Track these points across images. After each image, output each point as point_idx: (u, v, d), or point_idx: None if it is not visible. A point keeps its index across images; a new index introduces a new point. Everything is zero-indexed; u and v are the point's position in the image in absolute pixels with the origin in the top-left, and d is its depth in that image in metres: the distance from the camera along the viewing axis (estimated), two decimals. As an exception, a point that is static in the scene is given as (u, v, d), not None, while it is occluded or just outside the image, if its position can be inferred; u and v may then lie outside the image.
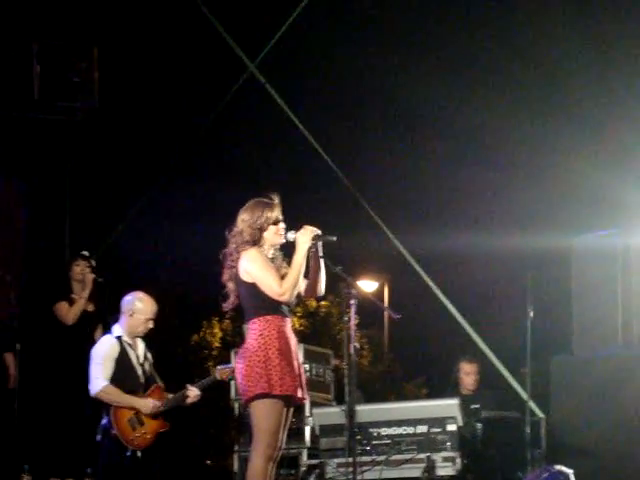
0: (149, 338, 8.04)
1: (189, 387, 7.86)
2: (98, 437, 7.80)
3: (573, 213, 10.20)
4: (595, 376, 8.35)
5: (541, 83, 11.22)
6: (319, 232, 6.49)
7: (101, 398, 7.72)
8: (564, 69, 10.87)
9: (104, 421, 7.76)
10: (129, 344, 7.87)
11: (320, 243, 6.51)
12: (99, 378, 7.72)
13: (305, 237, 6.46)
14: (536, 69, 11.15)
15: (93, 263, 9.18)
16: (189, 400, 7.85)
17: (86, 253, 9.22)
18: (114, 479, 7.75)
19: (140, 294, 7.92)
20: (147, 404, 7.74)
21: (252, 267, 6.44)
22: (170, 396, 7.89)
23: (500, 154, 11.64)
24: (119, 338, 7.84)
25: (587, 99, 10.70)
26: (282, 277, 6.47)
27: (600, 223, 9.19)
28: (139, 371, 7.88)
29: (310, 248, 6.50)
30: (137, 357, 7.89)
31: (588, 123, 10.68)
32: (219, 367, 7.96)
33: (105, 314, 8.94)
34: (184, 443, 12.40)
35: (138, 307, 7.85)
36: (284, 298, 6.45)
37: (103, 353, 7.79)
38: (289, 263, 6.52)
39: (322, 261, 6.53)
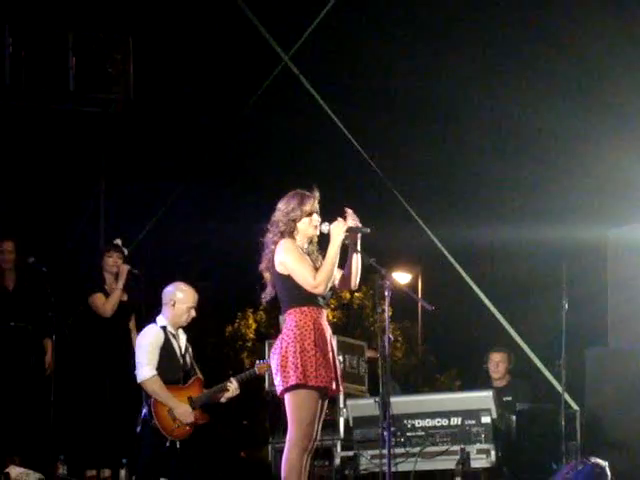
0: (185, 330, 8.06)
1: (231, 380, 7.87)
2: (138, 428, 7.83)
3: (608, 205, 10.16)
4: (630, 368, 8.32)
5: (578, 75, 11.18)
6: (352, 224, 6.48)
7: (145, 387, 7.73)
8: (602, 61, 10.82)
9: (144, 411, 7.79)
10: (173, 334, 7.87)
11: (359, 235, 6.51)
12: (147, 365, 7.72)
13: (339, 229, 6.47)
14: (574, 61, 11.09)
15: (126, 252, 9.21)
16: (228, 394, 7.84)
17: (119, 242, 9.25)
18: (153, 470, 7.77)
19: (181, 284, 7.94)
20: (185, 410, 7.71)
21: (287, 258, 6.45)
22: (206, 391, 7.89)
23: (536, 146, 11.62)
24: (164, 328, 7.85)
25: (624, 91, 10.64)
26: (317, 269, 6.48)
27: (636, 215, 9.14)
28: (181, 362, 7.88)
29: (344, 240, 6.50)
30: (180, 348, 7.90)
31: (624, 115, 10.62)
32: (258, 362, 7.98)
33: (140, 304, 8.98)
34: (218, 435, 12.43)
35: (179, 297, 7.87)
36: (318, 290, 6.45)
37: (149, 341, 7.80)
38: (324, 256, 6.53)
39: (358, 254, 6.53)
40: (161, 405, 7.70)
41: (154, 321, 7.94)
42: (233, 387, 7.86)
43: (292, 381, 6.37)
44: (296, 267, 6.45)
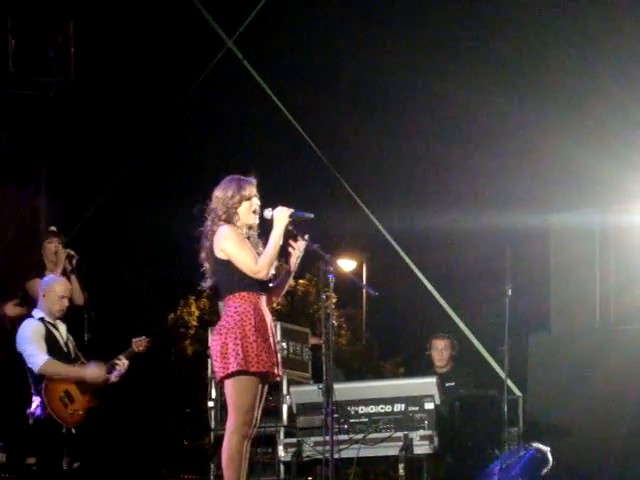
0: (127, 316, 8.09)
1: (119, 357, 8.04)
2: (30, 421, 7.82)
3: (551, 191, 10.19)
4: (572, 353, 8.38)
5: (521, 61, 11.19)
6: (294, 211, 6.44)
7: (46, 372, 7.80)
8: (543, 48, 10.84)
9: (36, 402, 7.78)
10: (52, 324, 8.00)
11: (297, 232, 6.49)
12: (39, 354, 7.82)
13: (283, 215, 6.42)
14: (516, 48, 11.11)
15: (63, 239, 9.14)
16: (117, 373, 7.97)
17: (54, 228, 9.19)
18: (52, 458, 7.82)
19: (51, 274, 8.22)
20: (93, 370, 7.86)
21: (227, 244, 6.40)
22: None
23: (479, 133, 11.62)
24: (42, 319, 7.98)
25: (565, 78, 10.68)
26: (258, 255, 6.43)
27: (578, 201, 9.19)
28: (65, 350, 8.00)
29: (288, 226, 6.46)
30: (61, 337, 8.02)
31: (567, 102, 10.66)
32: (134, 339, 8.14)
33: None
34: (159, 423, 12.36)
35: (49, 287, 8.02)
36: (260, 275, 6.41)
37: (31, 332, 7.91)
38: (265, 243, 6.48)
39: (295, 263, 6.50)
40: (53, 393, 7.78)
41: (31, 316, 8.05)
42: (122, 363, 7.99)
43: (233, 367, 6.34)
44: (237, 252, 6.40)
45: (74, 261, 8.98)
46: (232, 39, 11.56)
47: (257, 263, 6.38)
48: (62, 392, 7.82)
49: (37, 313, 8.03)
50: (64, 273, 8.98)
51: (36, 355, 7.81)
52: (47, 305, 8.00)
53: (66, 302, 8.02)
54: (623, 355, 8.14)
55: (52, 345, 7.90)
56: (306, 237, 6.50)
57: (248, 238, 6.53)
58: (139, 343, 8.12)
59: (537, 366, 8.56)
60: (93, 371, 7.86)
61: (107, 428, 7.88)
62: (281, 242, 6.44)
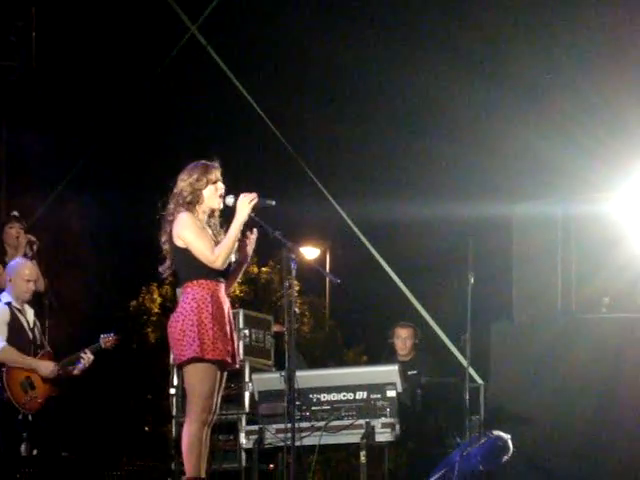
0: (88, 303, 8.09)
1: (85, 350, 8.02)
2: None
3: (514, 181, 10.22)
4: (534, 342, 8.41)
5: (484, 51, 11.21)
6: (257, 199, 6.42)
7: (2, 359, 7.83)
8: (508, 36, 10.86)
9: None
10: (18, 309, 7.99)
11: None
12: None
13: (245, 204, 6.40)
14: (479, 35, 11.13)
15: (25, 224, 9.10)
16: (81, 365, 7.97)
17: (16, 214, 9.14)
18: (8, 443, 7.84)
19: (18, 259, 8.19)
20: (47, 366, 7.87)
21: (185, 232, 6.39)
22: (62, 361, 8.03)
23: (443, 123, 11.64)
24: (9, 304, 7.97)
25: (528, 68, 10.70)
26: (217, 244, 6.42)
27: (540, 191, 9.22)
28: (30, 336, 8.00)
29: (249, 213, 6.45)
30: (27, 322, 8.02)
31: (530, 92, 10.69)
32: (102, 335, 8.11)
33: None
34: (121, 410, 12.34)
35: (16, 271, 8.02)
36: (216, 265, 6.40)
37: None
38: (227, 231, 6.47)
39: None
40: (14, 378, 7.80)
41: None
42: (87, 357, 7.98)
43: (190, 354, 6.34)
44: (194, 241, 6.39)
45: (34, 247, 8.94)
46: (196, 25, 11.50)
47: (214, 252, 6.36)
48: (24, 378, 7.84)
49: (4, 297, 8.02)
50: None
51: None
52: (14, 289, 7.98)
53: (32, 286, 8.01)
54: (584, 344, 8.19)
55: (17, 330, 7.91)
56: (254, 233, 6.51)
57: (210, 225, 6.53)
58: (107, 340, 8.10)
59: (499, 355, 8.60)
60: (47, 367, 7.88)
61: (68, 414, 7.87)
62: (240, 232, 6.42)
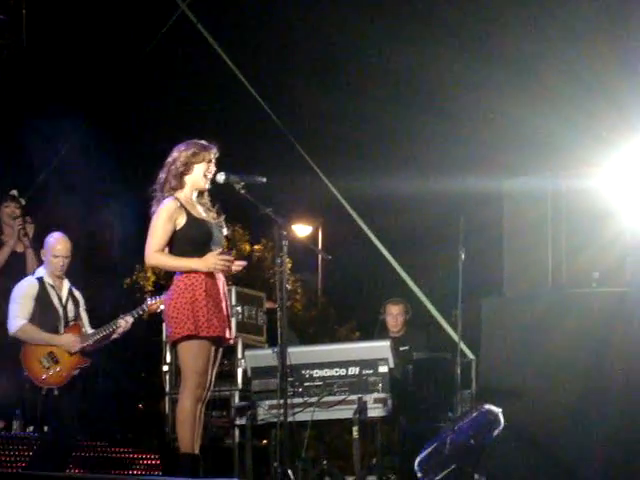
0: (81, 282, 8.07)
1: (121, 316, 7.92)
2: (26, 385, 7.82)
3: (505, 156, 10.24)
4: (525, 317, 8.43)
5: (476, 27, 11.21)
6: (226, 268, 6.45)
7: (19, 337, 7.81)
8: (498, 12, 10.85)
9: None
10: (51, 285, 7.93)
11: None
12: (17, 317, 7.81)
13: (212, 262, 6.42)
14: (472, 11, 11.12)
15: (23, 202, 9.09)
16: (120, 329, 7.87)
17: (15, 192, 9.14)
18: (35, 419, 7.85)
19: (54, 233, 8.02)
20: (67, 339, 7.78)
21: (154, 217, 6.46)
22: (91, 331, 7.96)
23: (434, 97, 11.64)
24: (40, 279, 7.91)
25: (520, 42, 10.70)
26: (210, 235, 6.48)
27: (531, 166, 9.23)
28: (60, 311, 7.91)
29: (240, 189, 6.50)
30: (59, 297, 7.93)
31: (521, 67, 10.70)
32: (149, 299, 8.01)
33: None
34: (115, 387, 12.36)
35: (50, 246, 7.95)
36: (146, 261, 6.51)
37: (21, 293, 7.88)
38: (219, 212, 6.56)
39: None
40: (31, 355, 7.75)
41: (33, 273, 8.04)
42: (124, 322, 7.88)
43: (184, 332, 6.38)
44: (152, 229, 6.46)
45: (30, 234, 8.93)
46: (186, 2, 11.47)
47: (154, 252, 6.43)
48: (46, 353, 7.75)
49: (39, 272, 7.99)
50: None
51: (14, 317, 7.79)
52: (47, 264, 7.94)
53: (61, 261, 7.90)
54: (575, 318, 8.21)
55: (44, 306, 7.84)
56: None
57: (201, 204, 6.57)
58: (152, 304, 7.95)
59: (490, 329, 8.62)
60: (68, 341, 7.78)
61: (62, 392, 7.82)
62: (179, 269, 6.45)
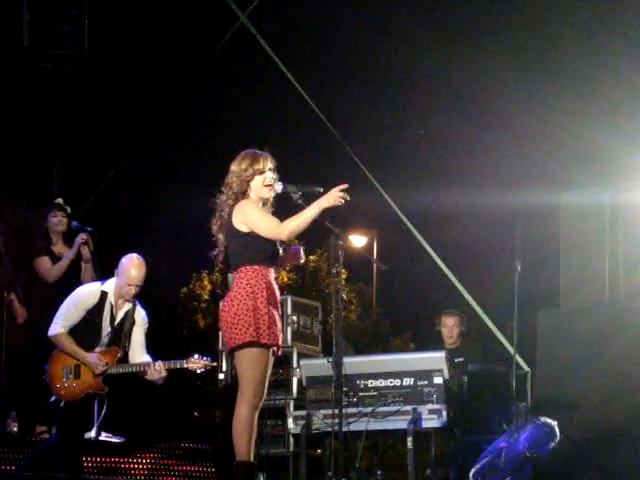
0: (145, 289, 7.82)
1: (156, 363, 7.51)
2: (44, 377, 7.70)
3: (562, 169, 10.21)
4: (581, 330, 8.40)
5: (533, 41, 11.20)
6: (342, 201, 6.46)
7: (54, 341, 7.55)
8: (557, 26, 10.84)
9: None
10: (112, 303, 7.61)
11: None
12: (59, 324, 7.52)
13: (333, 195, 6.46)
14: (529, 26, 11.11)
15: (69, 211, 9.14)
16: (150, 376, 7.49)
17: (60, 201, 9.17)
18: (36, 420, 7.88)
19: (132, 256, 7.64)
20: (93, 360, 7.49)
21: (248, 216, 6.47)
22: (129, 362, 7.62)
23: (491, 111, 11.63)
24: (104, 294, 7.61)
25: (578, 57, 10.68)
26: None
27: (588, 179, 9.21)
28: (105, 331, 7.61)
29: (297, 200, 6.54)
30: (112, 317, 7.62)
31: (578, 80, 10.67)
32: (195, 357, 7.53)
33: (95, 261, 8.93)
34: (169, 395, 12.44)
35: (124, 269, 7.57)
36: (281, 236, 6.46)
37: (77, 300, 7.59)
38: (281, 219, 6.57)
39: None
40: (58, 361, 7.58)
41: (103, 280, 7.75)
42: (155, 371, 7.45)
43: (245, 338, 6.40)
44: (259, 219, 6.47)
45: (90, 245, 8.96)
46: (245, 13, 11.57)
47: (279, 225, 6.42)
48: (72, 365, 7.55)
49: (108, 284, 7.64)
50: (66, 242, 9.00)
51: (56, 322, 7.54)
52: (117, 285, 7.57)
53: (133, 290, 7.53)
54: (631, 332, 8.17)
55: (90, 320, 7.55)
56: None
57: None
58: (194, 362, 7.46)
59: (546, 342, 8.60)
60: (94, 362, 7.44)
61: (117, 400, 7.76)
62: (311, 219, 6.46)
